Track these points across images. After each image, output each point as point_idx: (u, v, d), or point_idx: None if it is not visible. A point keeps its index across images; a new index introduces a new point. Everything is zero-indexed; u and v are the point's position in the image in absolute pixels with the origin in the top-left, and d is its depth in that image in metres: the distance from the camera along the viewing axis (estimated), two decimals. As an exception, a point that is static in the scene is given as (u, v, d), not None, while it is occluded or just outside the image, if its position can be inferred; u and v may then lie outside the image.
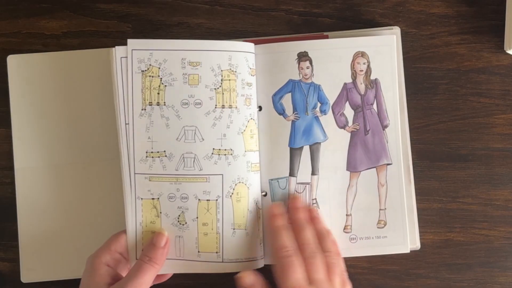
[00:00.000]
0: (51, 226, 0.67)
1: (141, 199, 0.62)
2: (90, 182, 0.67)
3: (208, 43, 0.63)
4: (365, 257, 0.67)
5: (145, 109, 0.62)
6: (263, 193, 0.64)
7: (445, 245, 0.67)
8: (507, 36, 0.67)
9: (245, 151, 0.63)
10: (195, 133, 0.62)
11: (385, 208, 0.64)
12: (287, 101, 0.64)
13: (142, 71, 0.62)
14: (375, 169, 0.64)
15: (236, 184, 0.62)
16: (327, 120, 0.64)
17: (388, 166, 0.64)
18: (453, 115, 0.68)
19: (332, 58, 0.64)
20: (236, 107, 0.62)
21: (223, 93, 0.62)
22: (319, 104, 0.64)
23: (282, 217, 0.62)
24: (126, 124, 0.62)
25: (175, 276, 0.65)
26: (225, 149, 0.62)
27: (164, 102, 0.62)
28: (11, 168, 0.68)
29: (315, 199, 0.64)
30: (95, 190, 0.67)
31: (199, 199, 0.62)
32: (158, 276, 0.62)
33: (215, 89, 0.62)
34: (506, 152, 0.68)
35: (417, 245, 0.65)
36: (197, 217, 0.62)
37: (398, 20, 0.69)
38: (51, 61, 0.68)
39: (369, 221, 0.64)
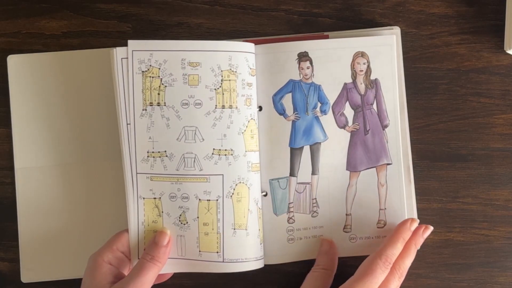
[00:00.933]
0: (51, 226, 0.67)
1: (143, 198, 0.62)
2: (90, 181, 0.67)
3: (208, 43, 0.63)
4: (365, 257, 0.67)
5: (145, 110, 0.62)
6: (263, 193, 0.64)
7: (445, 245, 0.67)
8: (507, 36, 0.67)
9: (246, 151, 0.63)
10: (195, 133, 0.62)
11: (385, 208, 0.64)
12: (287, 101, 0.64)
13: (142, 71, 0.62)
14: (375, 169, 0.64)
15: (236, 184, 0.62)
16: (327, 120, 0.64)
17: (388, 166, 0.64)
18: (453, 115, 0.68)
19: (332, 58, 0.64)
20: (237, 107, 0.62)
21: (223, 94, 0.62)
22: (319, 104, 0.64)
23: (409, 233, 0.61)
24: (127, 124, 0.62)
25: (176, 276, 0.65)
26: (226, 149, 0.62)
27: (165, 103, 0.62)
28: (11, 168, 0.68)
29: (315, 198, 0.64)
30: (95, 190, 0.67)
31: (199, 199, 0.62)
32: (159, 275, 0.62)
33: (215, 89, 0.62)
34: (506, 152, 0.68)
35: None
36: (197, 217, 0.62)
37: (398, 20, 0.69)
38: (51, 61, 0.68)
39: (369, 221, 0.64)
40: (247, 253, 0.63)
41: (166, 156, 0.62)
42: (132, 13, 0.69)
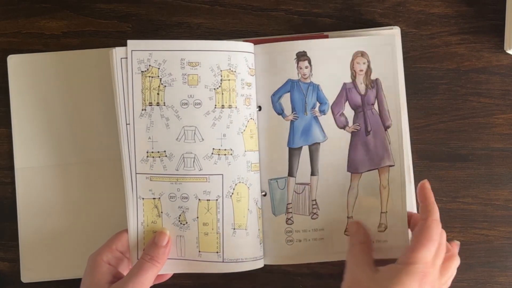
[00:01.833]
0: (51, 226, 0.67)
1: (142, 199, 0.62)
2: (90, 181, 0.67)
3: (207, 43, 0.63)
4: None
5: (145, 110, 0.62)
6: (263, 193, 0.64)
7: (445, 245, 0.67)
8: (507, 36, 0.67)
9: (245, 151, 0.63)
10: (194, 133, 0.62)
11: (386, 211, 0.63)
12: (286, 101, 0.64)
13: (142, 71, 0.62)
14: (377, 170, 0.63)
15: (236, 184, 0.62)
16: (327, 120, 0.64)
17: (390, 168, 0.63)
18: (453, 115, 0.68)
19: (331, 58, 0.63)
20: (236, 107, 0.62)
21: (222, 93, 0.62)
22: (318, 104, 0.64)
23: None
24: (127, 124, 0.62)
25: (175, 276, 0.65)
26: (225, 149, 0.62)
27: (164, 103, 0.62)
28: (11, 168, 0.68)
29: (315, 200, 0.64)
30: (95, 190, 0.67)
31: (199, 199, 0.62)
32: (158, 275, 0.62)
33: (214, 89, 0.62)
34: (506, 152, 0.68)
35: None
36: (197, 217, 0.62)
37: (398, 20, 0.68)
38: (51, 61, 0.68)
39: (370, 224, 0.63)
40: (247, 253, 0.63)
41: (166, 156, 0.62)
42: (132, 13, 0.69)
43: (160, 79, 0.62)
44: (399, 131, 0.63)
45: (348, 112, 0.64)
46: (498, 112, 0.68)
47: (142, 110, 0.62)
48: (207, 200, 0.62)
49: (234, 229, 0.62)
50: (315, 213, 0.64)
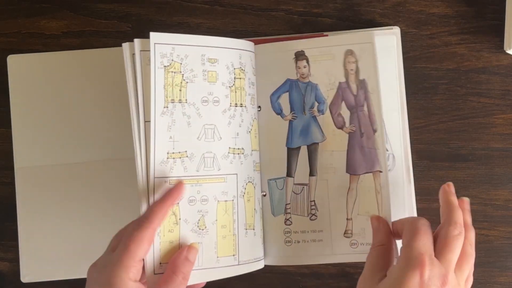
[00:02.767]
0: (51, 226, 0.67)
1: None
2: (90, 182, 0.67)
3: (224, 40, 0.61)
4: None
5: (167, 107, 0.58)
6: (263, 193, 0.64)
7: (445, 245, 0.67)
8: (507, 36, 0.66)
9: (252, 150, 0.63)
10: (214, 131, 0.60)
11: (384, 216, 0.62)
12: (284, 101, 0.64)
13: (164, 66, 0.58)
14: (371, 174, 0.62)
15: (247, 184, 0.62)
16: (325, 120, 0.63)
17: (380, 174, 0.61)
18: (453, 115, 0.68)
19: (327, 56, 0.63)
20: (245, 106, 0.62)
21: (235, 91, 0.61)
22: (316, 104, 0.63)
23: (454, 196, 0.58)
24: (146, 122, 0.58)
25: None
26: (238, 148, 0.61)
27: (186, 100, 0.59)
28: (11, 168, 0.68)
29: (314, 201, 0.63)
30: (95, 190, 0.67)
31: (218, 201, 0.60)
32: None
33: (229, 87, 0.61)
34: (506, 152, 0.68)
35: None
36: (216, 220, 0.59)
37: (398, 20, 0.68)
38: (51, 61, 0.68)
39: (370, 226, 0.62)
40: (256, 253, 0.62)
41: (187, 156, 0.59)
42: (132, 13, 0.69)
43: (183, 75, 0.59)
44: (382, 136, 0.61)
45: (345, 112, 0.63)
46: (498, 112, 0.68)
47: (164, 107, 0.58)
48: (225, 201, 0.60)
49: (246, 229, 0.61)
50: (313, 214, 0.63)
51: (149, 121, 0.57)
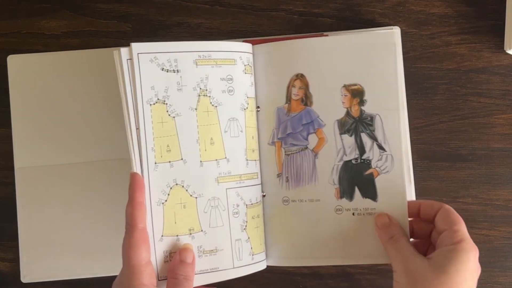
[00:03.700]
0: (51, 226, 0.67)
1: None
2: (90, 182, 0.67)
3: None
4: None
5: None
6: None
7: (445, 245, 0.67)
8: (507, 36, 0.67)
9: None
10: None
11: None
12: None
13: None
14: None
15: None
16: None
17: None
18: (453, 115, 0.68)
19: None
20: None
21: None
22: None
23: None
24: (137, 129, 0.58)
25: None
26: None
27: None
28: (11, 168, 0.68)
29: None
30: (95, 190, 0.67)
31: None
32: None
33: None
34: (506, 152, 0.68)
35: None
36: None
37: (398, 20, 0.68)
38: (51, 61, 0.68)
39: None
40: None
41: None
42: (132, 13, 0.69)
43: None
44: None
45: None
46: (498, 112, 0.68)
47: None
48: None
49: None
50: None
51: (139, 128, 0.57)
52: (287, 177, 0.63)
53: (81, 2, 0.69)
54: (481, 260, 0.67)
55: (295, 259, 0.63)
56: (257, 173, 0.63)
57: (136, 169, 0.57)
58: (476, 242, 0.66)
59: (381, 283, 0.67)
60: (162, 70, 0.58)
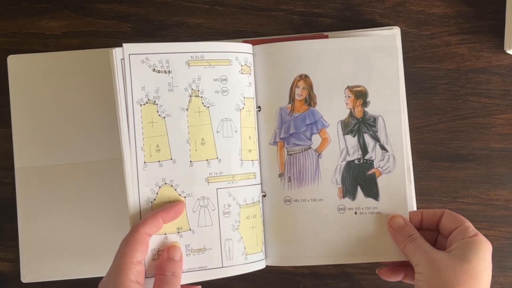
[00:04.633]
0: (51, 226, 0.67)
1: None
2: (90, 182, 0.67)
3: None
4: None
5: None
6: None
7: (445, 245, 0.67)
8: (507, 36, 0.67)
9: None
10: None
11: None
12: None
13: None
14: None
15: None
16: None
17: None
18: (453, 115, 0.68)
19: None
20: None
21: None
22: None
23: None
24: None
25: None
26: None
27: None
28: (11, 168, 0.68)
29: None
30: (95, 190, 0.67)
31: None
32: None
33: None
34: (506, 152, 0.68)
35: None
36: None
37: (398, 20, 0.69)
38: (51, 61, 0.68)
39: None
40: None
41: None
42: (132, 13, 0.69)
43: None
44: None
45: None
46: (498, 112, 0.68)
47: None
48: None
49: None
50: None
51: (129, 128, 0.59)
52: (289, 176, 0.63)
53: (81, 2, 0.69)
54: (481, 260, 0.67)
55: (297, 258, 0.63)
56: (254, 173, 0.63)
57: (128, 167, 0.58)
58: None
59: (381, 283, 0.67)
60: (154, 71, 0.59)
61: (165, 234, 0.59)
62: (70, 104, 0.68)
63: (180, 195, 0.59)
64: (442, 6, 0.69)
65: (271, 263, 0.64)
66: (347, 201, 0.63)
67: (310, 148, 0.64)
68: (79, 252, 0.66)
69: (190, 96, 0.60)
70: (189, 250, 0.59)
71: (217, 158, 0.60)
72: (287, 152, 0.64)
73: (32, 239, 0.67)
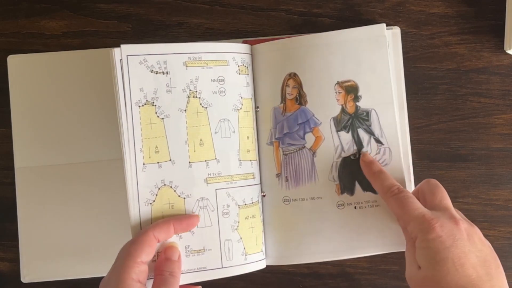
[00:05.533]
0: (51, 226, 0.67)
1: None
2: (90, 182, 0.67)
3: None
4: (365, 257, 0.67)
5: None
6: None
7: (445, 245, 0.67)
8: (507, 36, 0.67)
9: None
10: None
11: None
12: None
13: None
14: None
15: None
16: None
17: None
18: (453, 115, 0.68)
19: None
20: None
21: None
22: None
23: (376, 163, 0.61)
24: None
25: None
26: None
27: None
28: (11, 168, 0.68)
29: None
30: (95, 190, 0.67)
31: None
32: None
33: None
34: (506, 152, 0.68)
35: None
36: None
37: (398, 20, 0.69)
38: (51, 61, 0.68)
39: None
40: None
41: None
42: (132, 13, 0.69)
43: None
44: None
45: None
46: (498, 112, 0.68)
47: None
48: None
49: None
50: None
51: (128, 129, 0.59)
52: (286, 176, 0.63)
53: (81, 2, 0.69)
54: (481, 260, 0.66)
55: (299, 256, 0.63)
56: (253, 173, 0.63)
57: (128, 169, 0.58)
58: (476, 242, 0.66)
59: (381, 283, 0.67)
60: (151, 72, 0.59)
61: None
62: (70, 104, 0.68)
63: (179, 196, 0.59)
64: (442, 6, 0.69)
65: (272, 262, 0.64)
66: (345, 196, 0.63)
67: (304, 147, 0.63)
68: (79, 252, 0.66)
69: (188, 97, 0.60)
70: (188, 251, 0.59)
71: (216, 158, 0.60)
72: (283, 152, 0.64)
73: (32, 239, 0.67)
